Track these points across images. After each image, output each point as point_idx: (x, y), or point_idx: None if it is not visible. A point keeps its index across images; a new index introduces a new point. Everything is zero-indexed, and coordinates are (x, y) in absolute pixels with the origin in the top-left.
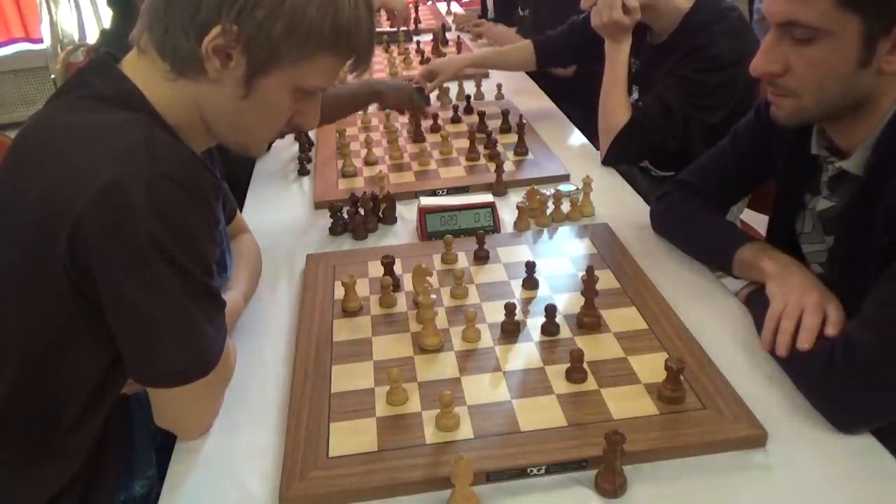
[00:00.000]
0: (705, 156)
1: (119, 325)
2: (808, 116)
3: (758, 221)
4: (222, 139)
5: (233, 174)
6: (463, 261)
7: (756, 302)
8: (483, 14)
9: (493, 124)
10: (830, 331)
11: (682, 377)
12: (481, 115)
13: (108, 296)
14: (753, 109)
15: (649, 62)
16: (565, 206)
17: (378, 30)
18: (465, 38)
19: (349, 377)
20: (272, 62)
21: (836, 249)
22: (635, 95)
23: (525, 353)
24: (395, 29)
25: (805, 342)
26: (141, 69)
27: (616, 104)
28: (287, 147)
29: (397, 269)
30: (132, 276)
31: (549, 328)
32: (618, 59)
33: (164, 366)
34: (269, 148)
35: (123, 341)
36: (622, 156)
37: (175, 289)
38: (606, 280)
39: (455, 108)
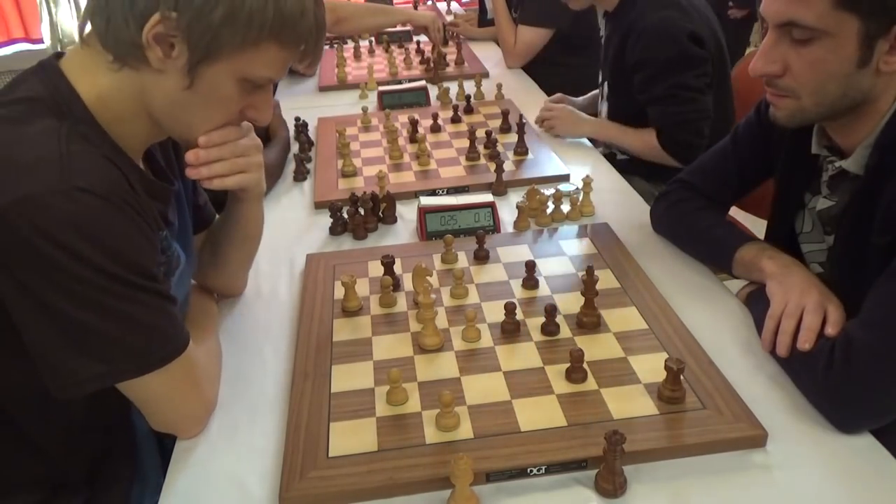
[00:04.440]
0: (705, 155)
1: (38, 335)
2: (807, 117)
3: (749, 220)
4: (169, 132)
5: None
6: (463, 261)
7: (756, 302)
8: (482, 14)
9: (493, 124)
10: (830, 330)
11: (682, 377)
12: (481, 114)
13: (21, 309)
14: (754, 109)
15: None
16: (565, 206)
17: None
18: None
19: (349, 377)
20: (214, 50)
21: (835, 249)
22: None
23: (525, 353)
24: (432, 45)
25: (805, 342)
26: (82, 62)
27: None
28: None
29: (397, 268)
30: (47, 288)
31: (549, 328)
32: None
33: (80, 372)
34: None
35: (44, 354)
36: (686, 156)
37: (100, 294)
38: (606, 280)
39: (455, 108)
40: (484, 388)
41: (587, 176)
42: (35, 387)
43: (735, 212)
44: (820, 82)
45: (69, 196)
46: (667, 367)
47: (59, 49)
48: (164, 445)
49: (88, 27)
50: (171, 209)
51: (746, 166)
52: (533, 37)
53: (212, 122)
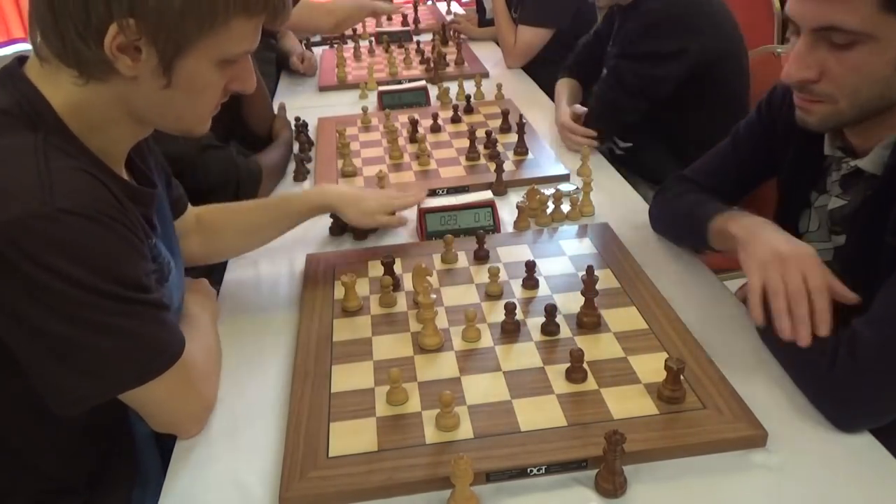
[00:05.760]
0: (707, 155)
1: (33, 357)
2: (842, 120)
3: None
4: (159, 127)
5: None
6: (463, 260)
7: None
8: (481, 14)
9: (493, 124)
10: (819, 303)
11: (682, 377)
12: (481, 114)
13: (14, 333)
14: (755, 109)
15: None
16: (565, 206)
17: (380, 30)
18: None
19: (349, 377)
20: (182, 43)
21: (848, 248)
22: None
23: (525, 353)
24: (395, 29)
25: (803, 339)
26: (45, 76)
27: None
28: None
29: (397, 268)
30: (39, 311)
31: (549, 328)
32: None
33: (78, 390)
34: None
35: (41, 375)
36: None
37: (93, 312)
38: (606, 280)
39: (455, 108)
40: (484, 388)
41: (587, 176)
42: (31, 395)
43: None
44: (859, 86)
45: (53, 219)
46: (667, 367)
47: None
48: (165, 446)
49: (41, 45)
50: (153, 213)
51: (746, 167)
52: (533, 37)
53: (200, 110)
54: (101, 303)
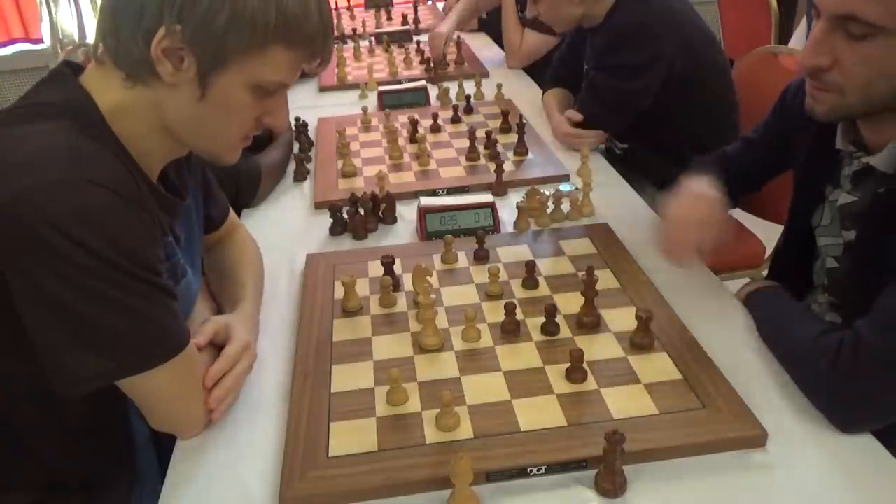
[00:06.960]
0: (737, 142)
1: (43, 330)
2: (849, 112)
3: (750, 220)
4: (191, 147)
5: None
6: (463, 261)
7: (756, 302)
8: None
9: (493, 124)
10: None
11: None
12: (481, 114)
13: (26, 303)
14: (770, 111)
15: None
16: (565, 206)
17: (380, 30)
18: (465, 37)
19: (349, 377)
20: (221, 57)
21: (857, 245)
22: None
23: (525, 353)
24: (395, 29)
25: None
26: (98, 79)
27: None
28: None
29: (397, 269)
30: (53, 280)
31: (549, 328)
32: None
33: (84, 368)
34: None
35: (48, 350)
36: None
37: (105, 286)
38: (606, 280)
39: (455, 108)
40: (484, 388)
41: (587, 176)
42: (32, 389)
43: (740, 214)
44: (870, 80)
45: (78, 187)
46: (637, 317)
47: (59, 49)
48: (163, 447)
49: (101, 47)
50: (178, 223)
51: (760, 164)
52: (539, 42)
53: (230, 133)
54: (114, 276)
